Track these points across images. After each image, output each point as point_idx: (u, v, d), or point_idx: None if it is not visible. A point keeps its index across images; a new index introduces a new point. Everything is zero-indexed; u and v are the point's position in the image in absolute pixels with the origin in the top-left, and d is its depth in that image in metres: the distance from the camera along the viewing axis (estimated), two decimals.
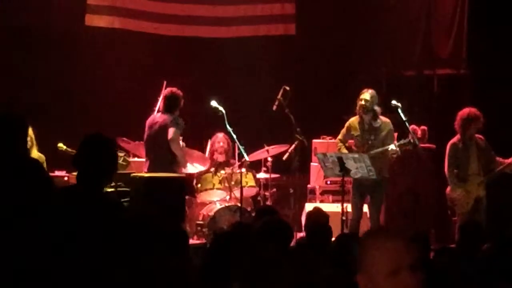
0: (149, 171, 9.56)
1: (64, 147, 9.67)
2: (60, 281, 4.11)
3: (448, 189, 9.64)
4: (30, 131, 8.74)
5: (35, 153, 8.73)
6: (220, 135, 10.96)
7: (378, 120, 9.56)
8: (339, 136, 9.79)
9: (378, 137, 9.48)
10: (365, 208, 9.72)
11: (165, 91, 9.86)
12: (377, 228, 2.99)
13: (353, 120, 9.68)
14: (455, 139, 9.61)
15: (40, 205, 4.40)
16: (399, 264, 2.76)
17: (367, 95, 9.48)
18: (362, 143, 9.52)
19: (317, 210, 6.99)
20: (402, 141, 9.40)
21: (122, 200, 9.23)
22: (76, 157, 4.42)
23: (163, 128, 9.55)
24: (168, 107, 9.66)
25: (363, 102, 9.47)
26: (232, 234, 5.28)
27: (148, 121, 9.86)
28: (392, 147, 9.29)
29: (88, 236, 4.16)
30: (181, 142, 9.87)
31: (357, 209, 9.50)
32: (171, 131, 9.47)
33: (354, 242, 5.50)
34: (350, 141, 9.72)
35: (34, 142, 8.84)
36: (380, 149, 9.38)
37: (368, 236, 2.90)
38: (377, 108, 9.54)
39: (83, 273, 4.11)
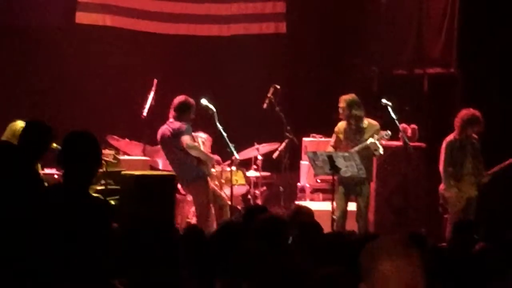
0: (180, 178, 9.60)
1: (55, 144, 9.62)
2: (46, 280, 4.09)
3: (442, 187, 9.65)
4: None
5: None
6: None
7: (365, 122, 9.55)
8: (331, 143, 9.76)
9: (363, 137, 9.45)
10: (351, 206, 9.69)
11: (176, 99, 9.77)
12: (393, 241, 2.81)
13: (341, 124, 9.68)
14: (451, 137, 9.61)
15: (28, 205, 4.36)
16: (411, 285, 2.68)
17: (341, 103, 9.48)
18: (347, 142, 9.51)
19: (300, 209, 6.99)
20: (381, 134, 9.38)
21: (112, 198, 9.23)
22: (61, 156, 4.36)
23: (176, 138, 9.53)
24: (177, 116, 9.60)
25: (340, 111, 9.50)
26: (219, 231, 5.29)
27: (159, 134, 9.76)
28: (371, 140, 9.27)
29: (76, 235, 4.13)
30: (202, 138, 10.03)
31: (342, 207, 9.47)
32: (184, 140, 9.44)
33: (342, 241, 5.51)
34: None
35: None
36: (362, 145, 9.35)
37: (384, 249, 2.73)
38: (356, 112, 9.47)
39: (68, 271, 4.09)
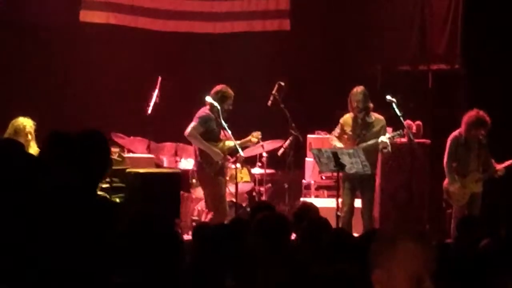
0: None
1: None
2: (49, 280, 4.09)
3: (446, 182, 9.67)
4: (31, 125, 8.76)
5: (34, 148, 8.73)
6: None
7: (372, 116, 9.56)
8: (335, 133, 9.75)
9: (370, 131, 9.48)
10: (357, 203, 9.70)
11: (216, 86, 9.77)
12: (407, 229, 2.86)
13: (347, 117, 9.66)
14: (456, 133, 9.62)
15: (32, 202, 4.36)
16: (425, 271, 2.71)
17: (359, 95, 9.43)
18: (354, 137, 9.52)
19: (306, 206, 6.99)
20: (393, 133, 9.40)
21: (117, 196, 9.24)
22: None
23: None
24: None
25: (355, 104, 9.45)
26: (222, 230, 5.29)
27: None
28: (382, 138, 9.29)
29: (79, 233, 4.13)
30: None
31: (348, 204, 9.47)
32: (189, 126, 9.49)
33: (349, 237, 5.51)
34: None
35: (34, 137, 8.84)
36: (372, 141, 9.38)
37: (398, 235, 2.78)
38: (371, 104, 9.54)
39: (71, 269, 4.09)
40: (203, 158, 9.65)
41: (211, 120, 9.57)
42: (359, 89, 9.48)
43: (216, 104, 9.55)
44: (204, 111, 9.62)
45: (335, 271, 3.53)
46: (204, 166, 9.66)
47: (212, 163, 9.61)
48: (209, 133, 9.58)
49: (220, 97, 9.62)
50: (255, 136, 9.96)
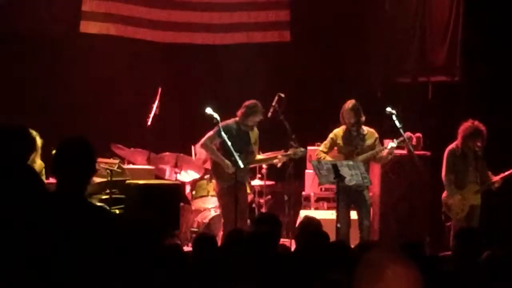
0: None
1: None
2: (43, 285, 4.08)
3: (444, 194, 9.66)
4: (37, 138, 8.76)
5: (38, 161, 8.73)
6: None
7: (364, 128, 9.57)
8: (322, 148, 9.74)
9: (364, 143, 9.49)
10: (354, 214, 9.66)
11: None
12: (389, 252, 2.84)
13: (338, 130, 9.67)
14: (453, 145, 9.62)
15: (29, 212, 4.34)
16: None
17: (351, 111, 9.44)
18: (349, 150, 9.51)
19: (307, 220, 7.01)
20: (400, 139, 9.38)
21: (117, 207, 9.24)
22: (54, 163, 4.33)
23: None
24: (239, 115, 9.63)
25: (348, 119, 9.46)
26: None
27: None
28: (392, 144, 9.30)
29: (72, 241, 4.12)
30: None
31: (345, 216, 9.42)
32: (205, 136, 9.45)
33: (348, 250, 5.51)
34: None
35: (39, 150, 8.83)
36: (377, 150, 9.39)
37: (384, 261, 2.75)
38: (362, 118, 9.54)
39: (67, 278, 4.08)
40: (213, 170, 9.64)
41: (229, 131, 9.49)
42: (350, 104, 9.49)
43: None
44: (227, 121, 9.56)
45: (329, 282, 3.53)
46: (216, 177, 9.66)
47: (222, 176, 9.53)
48: (227, 144, 9.48)
49: (244, 112, 9.60)
50: (285, 154, 9.89)
